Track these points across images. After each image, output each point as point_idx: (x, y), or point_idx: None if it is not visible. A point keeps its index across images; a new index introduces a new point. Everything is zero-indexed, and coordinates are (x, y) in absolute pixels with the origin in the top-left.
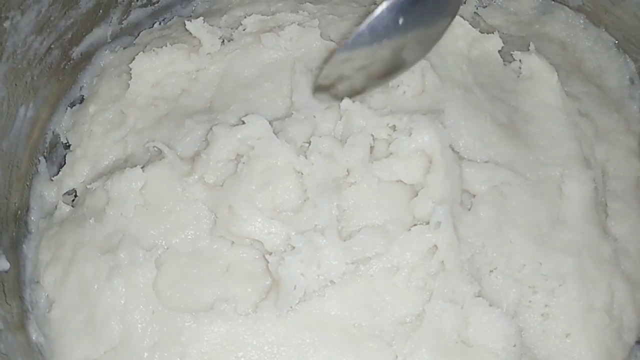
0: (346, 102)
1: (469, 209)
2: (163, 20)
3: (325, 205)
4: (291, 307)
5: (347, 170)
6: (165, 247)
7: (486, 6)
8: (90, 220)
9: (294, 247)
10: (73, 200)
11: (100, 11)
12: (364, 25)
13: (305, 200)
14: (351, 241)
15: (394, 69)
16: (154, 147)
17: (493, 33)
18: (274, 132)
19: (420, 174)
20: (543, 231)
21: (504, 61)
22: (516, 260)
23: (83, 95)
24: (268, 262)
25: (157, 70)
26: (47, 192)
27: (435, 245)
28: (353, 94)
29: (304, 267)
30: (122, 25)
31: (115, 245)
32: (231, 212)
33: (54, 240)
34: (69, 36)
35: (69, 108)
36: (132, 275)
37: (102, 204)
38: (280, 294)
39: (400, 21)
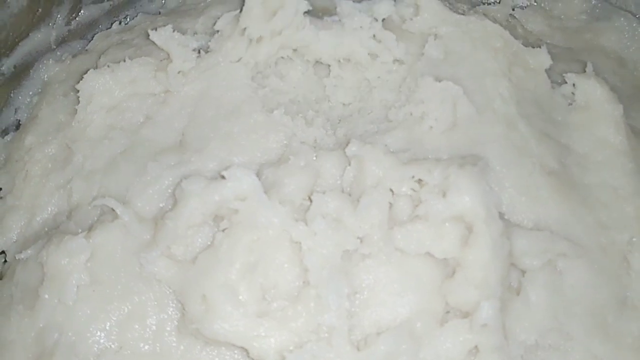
0: (355, 144)
1: (518, 293)
2: (124, 18)
3: (332, 299)
4: None
5: (360, 239)
6: (117, 348)
7: (525, 7)
8: (19, 307)
9: None
10: (4, 263)
11: (39, 10)
12: None
13: (304, 283)
14: (368, 351)
15: None
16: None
17: (540, 46)
18: (264, 186)
19: (455, 245)
20: (608, 320)
21: (551, 82)
22: (575, 358)
23: (19, 120)
24: None
25: (114, 92)
26: None
27: (476, 347)
28: None
29: None
30: (71, 27)
31: (50, 350)
32: (205, 304)
33: None
34: None
35: None
36: None
37: (35, 283)
38: None
39: None
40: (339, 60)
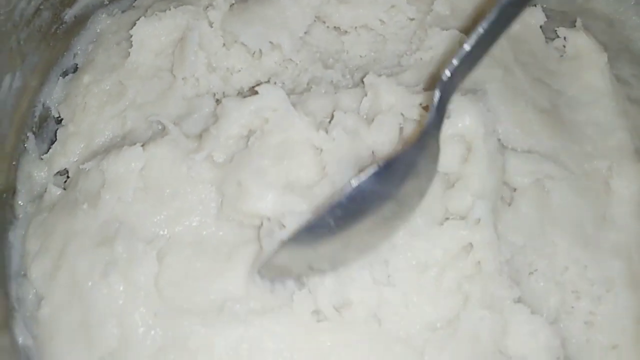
0: (372, 76)
1: (509, 204)
2: None
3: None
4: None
5: (372, 152)
6: (168, 237)
7: None
8: (84, 206)
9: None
10: (65, 182)
11: None
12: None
13: (322, 178)
14: None
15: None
16: (157, 121)
17: (535, 5)
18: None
19: (456, 161)
20: (588, 231)
21: (545, 38)
22: (558, 262)
23: (77, 64)
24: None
25: (161, 38)
26: (37, 173)
27: (471, 244)
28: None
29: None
30: None
31: (112, 236)
32: (240, 188)
33: (42, 228)
34: None
35: (60, 78)
36: (130, 271)
37: (97, 187)
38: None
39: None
40: (356, 27)
